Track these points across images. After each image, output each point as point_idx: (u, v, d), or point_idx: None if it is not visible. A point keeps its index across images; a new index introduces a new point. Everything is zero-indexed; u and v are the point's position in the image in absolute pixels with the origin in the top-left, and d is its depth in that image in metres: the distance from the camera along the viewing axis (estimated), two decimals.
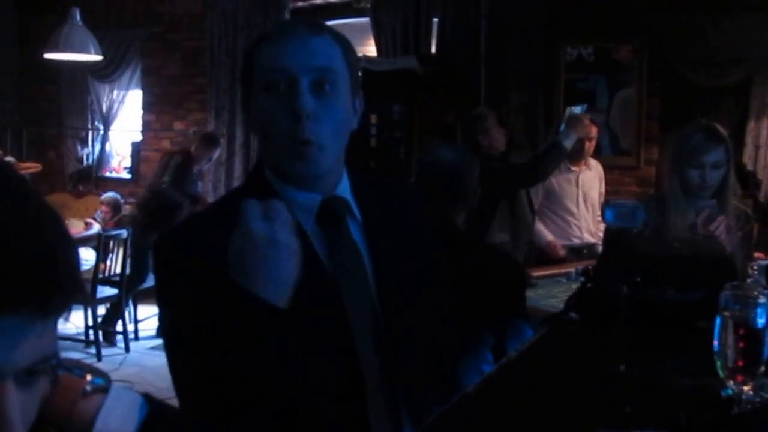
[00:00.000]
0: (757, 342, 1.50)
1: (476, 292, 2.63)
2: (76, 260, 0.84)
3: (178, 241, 1.51)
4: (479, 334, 2.66)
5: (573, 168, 5.70)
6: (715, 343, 1.52)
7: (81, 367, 1.04)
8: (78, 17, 6.70)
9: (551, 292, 4.11)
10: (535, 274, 4.52)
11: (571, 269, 4.46)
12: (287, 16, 7.64)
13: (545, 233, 5.63)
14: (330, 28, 1.56)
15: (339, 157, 1.57)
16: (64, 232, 0.84)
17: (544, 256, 5.61)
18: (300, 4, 7.73)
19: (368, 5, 7.17)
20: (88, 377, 1.02)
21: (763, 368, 1.51)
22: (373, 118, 6.56)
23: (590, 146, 5.69)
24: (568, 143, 5.02)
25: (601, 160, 5.97)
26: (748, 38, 5.98)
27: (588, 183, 5.78)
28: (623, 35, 6.57)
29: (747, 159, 6.36)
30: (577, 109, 5.15)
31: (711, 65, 6.19)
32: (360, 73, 1.63)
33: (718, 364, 1.51)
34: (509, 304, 2.78)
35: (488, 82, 6.73)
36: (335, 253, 1.54)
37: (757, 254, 3.55)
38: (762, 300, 1.59)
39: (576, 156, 5.62)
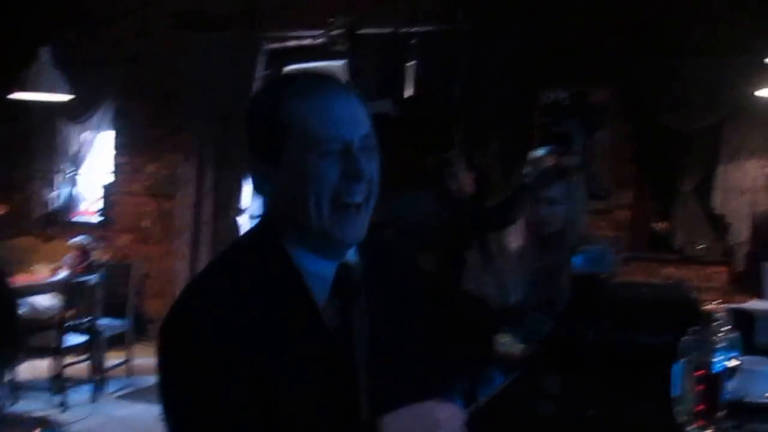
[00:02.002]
0: (716, 386, 1.50)
1: (448, 338, 2.60)
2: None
3: (205, 314, 1.42)
4: (452, 381, 2.62)
5: None
6: (675, 387, 1.51)
7: (27, 421, 0.99)
8: (47, 57, 6.63)
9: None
10: None
11: None
12: (263, 58, 7.62)
13: None
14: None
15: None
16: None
17: None
18: (276, 45, 7.71)
19: (344, 48, 7.17)
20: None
21: (723, 413, 1.50)
22: None
23: None
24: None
25: None
26: (720, 82, 6.05)
27: None
28: (599, 79, 6.63)
29: (717, 202, 6.41)
30: (541, 152, 5.19)
31: (683, 109, 6.25)
32: None
33: (678, 409, 1.50)
34: (480, 349, 2.75)
35: (464, 126, 6.73)
36: (349, 326, 1.50)
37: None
38: (721, 345, 1.59)
39: None
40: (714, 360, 1.55)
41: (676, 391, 1.56)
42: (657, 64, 6.30)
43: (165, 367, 1.41)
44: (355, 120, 1.47)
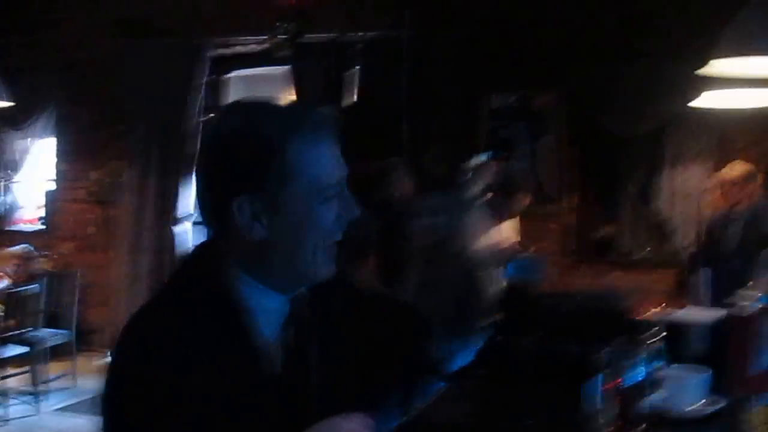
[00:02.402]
0: (633, 398, 1.50)
1: (382, 348, 2.58)
2: None
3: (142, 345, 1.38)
4: (386, 391, 2.60)
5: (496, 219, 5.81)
6: (593, 399, 1.51)
7: None
8: None
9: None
10: None
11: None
12: (207, 64, 7.56)
13: None
14: None
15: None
16: None
17: None
18: (220, 51, 7.64)
19: (288, 54, 7.11)
20: None
21: (644, 425, 1.50)
22: None
23: (524, 204, 5.83)
24: (477, 190, 5.06)
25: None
26: (663, 88, 6.10)
27: (506, 233, 5.88)
28: (544, 84, 6.67)
29: (662, 206, 6.45)
30: (482, 158, 5.22)
31: (627, 114, 6.30)
32: None
33: (598, 421, 1.50)
34: (415, 358, 2.73)
35: (410, 132, 6.71)
36: (303, 358, 1.50)
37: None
38: (643, 355, 1.58)
39: (508, 215, 5.72)
40: (632, 371, 1.55)
41: (594, 404, 1.55)
42: (599, 69, 6.33)
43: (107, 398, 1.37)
44: (342, 160, 1.45)
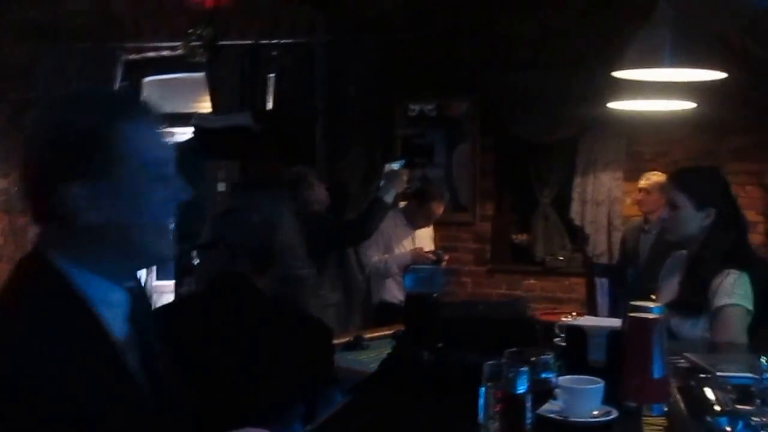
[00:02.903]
0: (518, 409, 1.51)
1: (285, 360, 2.56)
2: None
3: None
4: (288, 405, 2.57)
5: (411, 228, 5.95)
6: (481, 410, 1.52)
7: None
8: None
9: (382, 354, 4.07)
10: (367, 335, 4.50)
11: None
12: (120, 69, 7.43)
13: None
14: None
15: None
16: None
17: (382, 314, 5.63)
18: (133, 57, 7.52)
19: (203, 60, 7.04)
20: None
21: None
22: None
23: (439, 212, 5.94)
24: (389, 198, 5.13)
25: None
26: (573, 97, 6.20)
27: (421, 241, 5.95)
28: (459, 92, 6.74)
29: (574, 214, 6.54)
30: (395, 165, 5.24)
31: (539, 122, 6.39)
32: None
33: (489, 430, 1.51)
34: (319, 370, 2.71)
35: (325, 138, 6.71)
36: (153, 358, 1.50)
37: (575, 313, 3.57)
38: (536, 364, 1.60)
39: (423, 223, 5.94)
40: (523, 380, 1.57)
41: (485, 414, 1.56)
42: (512, 79, 6.40)
43: None
44: (167, 144, 1.52)
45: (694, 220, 2.97)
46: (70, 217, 1.40)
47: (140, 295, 1.53)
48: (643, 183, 5.86)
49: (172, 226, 1.51)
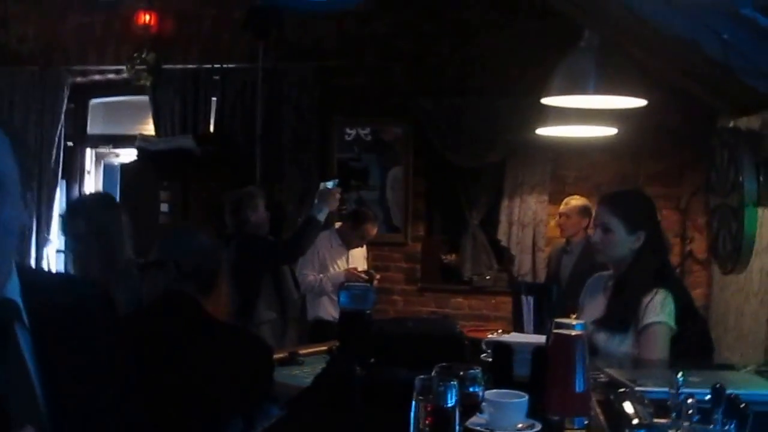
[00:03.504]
0: (447, 422, 1.56)
1: (224, 377, 2.62)
2: None
3: None
4: (228, 420, 2.64)
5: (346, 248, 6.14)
6: (411, 427, 1.56)
7: None
8: None
9: (317, 370, 4.14)
10: (302, 352, 4.56)
11: None
12: (66, 92, 7.52)
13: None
14: None
15: (10, 253, 1.49)
16: None
17: (317, 331, 5.74)
18: (79, 80, 7.62)
19: (148, 83, 7.15)
20: None
21: None
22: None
23: (372, 233, 6.14)
24: (321, 216, 5.22)
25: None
26: (502, 122, 6.43)
27: (355, 261, 6.08)
28: (392, 117, 6.95)
29: (501, 235, 6.73)
30: (329, 184, 5.33)
31: (469, 147, 6.58)
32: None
33: None
34: (257, 387, 2.78)
35: (264, 161, 6.85)
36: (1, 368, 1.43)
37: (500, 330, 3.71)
38: (462, 379, 1.67)
39: (357, 243, 6.13)
40: (449, 395, 1.60)
41: (412, 427, 1.61)
42: (444, 104, 6.64)
43: None
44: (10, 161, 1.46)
45: (626, 242, 3.03)
46: None
47: (4, 303, 1.46)
48: (563, 208, 6.05)
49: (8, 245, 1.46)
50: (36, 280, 1.58)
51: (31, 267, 1.50)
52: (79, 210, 3.79)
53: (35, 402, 1.45)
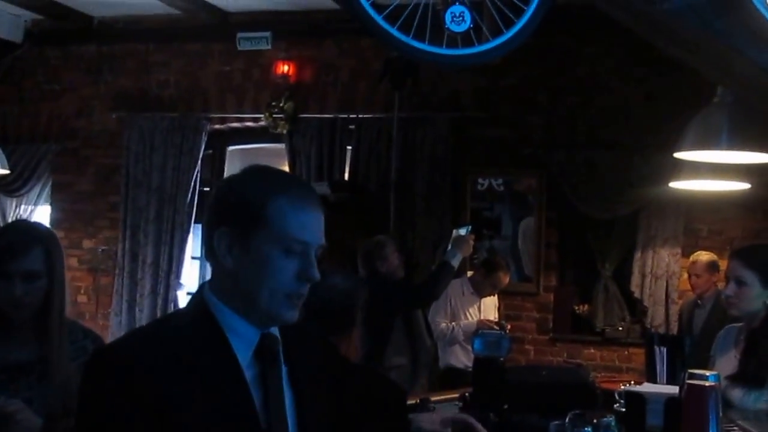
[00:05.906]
0: None
1: (358, 419, 2.72)
2: None
3: (119, 362, 1.57)
4: None
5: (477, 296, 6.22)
6: None
7: None
8: None
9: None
10: (434, 398, 4.61)
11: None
12: (204, 138, 7.79)
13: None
14: None
15: None
16: None
17: (448, 379, 5.81)
18: (218, 126, 7.91)
19: (284, 131, 7.40)
20: None
21: None
22: None
23: (504, 282, 6.18)
24: (455, 261, 5.30)
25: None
26: (635, 175, 6.44)
27: (487, 310, 6.14)
28: (525, 168, 7.02)
29: (634, 287, 6.69)
30: (462, 230, 5.41)
31: (602, 199, 6.59)
32: None
33: None
34: (390, 429, 2.86)
35: (397, 209, 6.98)
36: (266, 391, 1.62)
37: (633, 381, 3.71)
38: (586, 429, 1.72)
39: (489, 292, 6.20)
40: None
41: None
42: (578, 157, 6.71)
43: (84, 399, 1.57)
44: (320, 231, 1.67)
45: (761, 296, 3.01)
46: (218, 256, 1.63)
47: (271, 337, 1.66)
48: (691, 267, 6.12)
49: (297, 298, 1.64)
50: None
51: None
52: None
53: (285, 425, 1.64)
